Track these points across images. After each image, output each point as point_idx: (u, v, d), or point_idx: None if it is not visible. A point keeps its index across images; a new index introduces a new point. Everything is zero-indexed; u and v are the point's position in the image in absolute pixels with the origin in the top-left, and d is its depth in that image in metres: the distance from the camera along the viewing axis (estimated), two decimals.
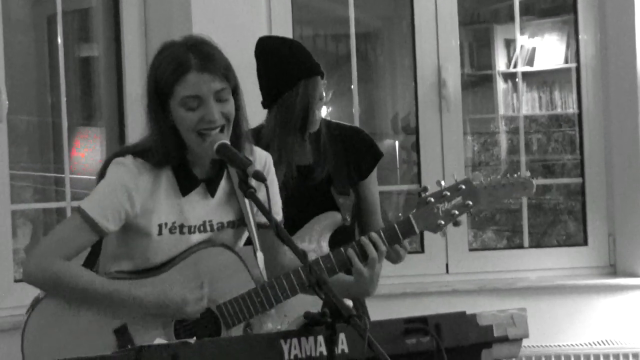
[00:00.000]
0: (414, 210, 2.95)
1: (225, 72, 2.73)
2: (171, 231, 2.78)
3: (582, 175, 5.04)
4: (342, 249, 2.91)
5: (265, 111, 3.59)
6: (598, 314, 4.81)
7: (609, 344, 4.74)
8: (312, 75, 3.49)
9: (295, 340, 2.40)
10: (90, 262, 2.87)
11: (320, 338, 2.41)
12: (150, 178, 2.76)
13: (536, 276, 4.92)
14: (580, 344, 4.75)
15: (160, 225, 2.77)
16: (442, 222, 2.93)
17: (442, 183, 2.95)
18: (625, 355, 4.69)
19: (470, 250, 5.04)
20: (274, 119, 3.50)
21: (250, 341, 2.42)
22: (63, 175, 4.95)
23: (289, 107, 3.46)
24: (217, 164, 2.82)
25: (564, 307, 4.79)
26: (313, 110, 3.48)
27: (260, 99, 3.57)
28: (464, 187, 2.94)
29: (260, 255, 2.85)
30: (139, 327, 2.75)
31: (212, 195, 2.82)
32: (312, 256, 3.02)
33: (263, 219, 2.89)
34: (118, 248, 2.83)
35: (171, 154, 2.74)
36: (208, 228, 2.83)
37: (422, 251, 4.91)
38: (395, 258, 3.39)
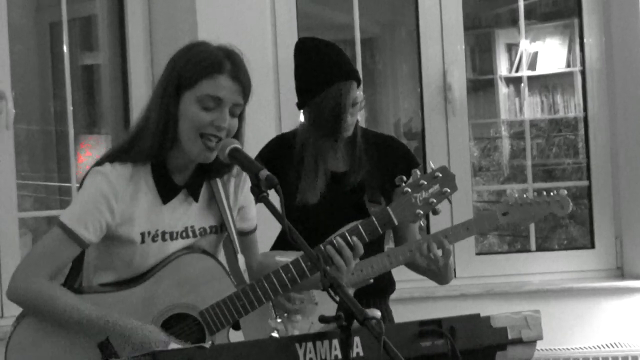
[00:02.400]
0: (392, 202, 2.94)
1: (248, 91, 2.75)
2: (154, 239, 2.77)
3: (589, 178, 5.05)
4: (321, 246, 2.90)
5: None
6: (606, 317, 4.82)
7: (617, 347, 4.74)
8: (347, 79, 3.44)
9: (310, 344, 2.41)
10: (73, 275, 2.85)
11: (335, 341, 2.42)
12: (129, 186, 2.74)
13: (543, 279, 4.93)
14: (588, 347, 4.75)
15: (142, 234, 2.76)
16: (421, 212, 2.90)
17: (418, 173, 2.93)
18: (634, 358, 4.68)
19: (478, 254, 5.04)
20: (306, 121, 3.48)
21: (265, 345, 2.42)
22: (67, 184, 4.95)
23: (320, 109, 3.42)
24: (199, 170, 2.81)
25: (572, 310, 4.80)
26: (344, 114, 3.42)
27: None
28: (440, 174, 2.91)
29: (241, 257, 2.85)
30: (121, 340, 2.71)
31: (196, 200, 2.82)
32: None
33: (243, 226, 2.92)
34: (100, 259, 2.81)
35: (164, 145, 2.71)
36: (190, 234, 2.82)
37: None
38: (441, 270, 3.39)
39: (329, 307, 3.23)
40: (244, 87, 2.72)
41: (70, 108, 4.67)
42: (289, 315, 3.35)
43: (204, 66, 2.69)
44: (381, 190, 3.55)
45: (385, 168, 3.56)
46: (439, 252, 3.35)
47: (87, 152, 5.95)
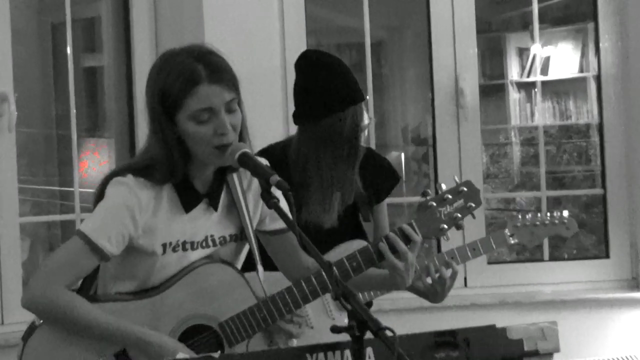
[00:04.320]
0: (416, 216, 2.91)
1: (234, 82, 2.70)
2: (174, 249, 2.76)
3: (604, 186, 5.04)
4: (369, 245, 2.87)
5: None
6: (621, 328, 4.80)
7: (632, 359, 4.72)
8: (362, 101, 3.44)
9: (321, 355, 2.39)
10: (88, 283, 2.85)
11: (347, 352, 2.40)
12: (151, 197, 2.72)
13: (557, 290, 4.91)
14: (603, 359, 4.73)
15: (164, 245, 2.75)
16: (445, 226, 2.89)
17: (443, 186, 2.92)
18: None
19: (489, 263, 5.02)
20: (314, 141, 3.41)
21: (276, 355, 2.41)
22: (69, 189, 4.94)
23: (337, 130, 3.37)
24: (218, 176, 2.80)
25: (586, 321, 4.79)
26: (360, 138, 3.42)
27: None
28: (465, 189, 2.91)
29: (260, 268, 2.83)
30: (139, 350, 2.71)
31: (215, 209, 2.80)
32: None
33: (278, 225, 2.89)
34: (119, 269, 2.80)
35: (178, 168, 2.70)
36: (210, 243, 2.81)
37: None
38: (440, 288, 3.39)
39: (326, 333, 3.23)
40: (227, 82, 2.67)
41: (73, 111, 4.66)
42: (286, 339, 3.34)
43: (181, 83, 2.64)
44: (368, 207, 3.55)
45: (368, 182, 3.56)
46: (447, 274, 3.35)
47: (87, 157, 5.95)
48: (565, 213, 3.52)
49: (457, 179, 2.95)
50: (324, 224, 3.41)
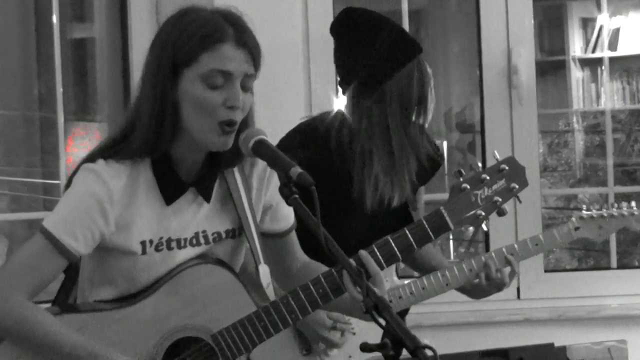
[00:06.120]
0: (447, 201, 2.83)
1: (258, 58, 2.71)
2: (157, 248, 2.75)
3: None
4: (389, 238, 2.80)
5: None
6: None
7: None
8: (421, 51, 3.48)
9: None
10: (66, 290, 2.86)
11: None
12: (126, 186, 2.71)
13: (625, 303, 4.90)
14: None
15: (143, 243, 2.74)
16: (482, 213, 2.81)
17: (479, 164, 2.89)
18: None
19: (547, 271, 5.02)
20: (378, 108, 3.43)
21: None
22: (53, 182, 4.97)
23: (405, 88, 3.41)
24: (209, 163, 2.79)
25: None
26: (430, 93, 3.45)
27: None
28: (507, 167, 2.84)
29: (263, 269, 2.83)
30: None
31: (207, 200, 2.80)
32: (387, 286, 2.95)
33: (278, 227, 2.90)
34: (95, 272, 2.80)
35: (162, 141, 2.69)
36: (202, 240, 2.80)
37: None
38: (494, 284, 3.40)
39: (368, 338, 3.23)
40: (253, 53, 2.68)
41: (59, 90, 4.68)
42: (326, 349, 3.35)
43: (202, 36, 2.65)
44: (414, 193, 3.56)
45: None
46: (506, 272, 3.36)
47: (75, 143, 5.98)
48: (633, 203, 3.57)
49: (497, 155, 2.89)
50: (394, 201, 3.41)
